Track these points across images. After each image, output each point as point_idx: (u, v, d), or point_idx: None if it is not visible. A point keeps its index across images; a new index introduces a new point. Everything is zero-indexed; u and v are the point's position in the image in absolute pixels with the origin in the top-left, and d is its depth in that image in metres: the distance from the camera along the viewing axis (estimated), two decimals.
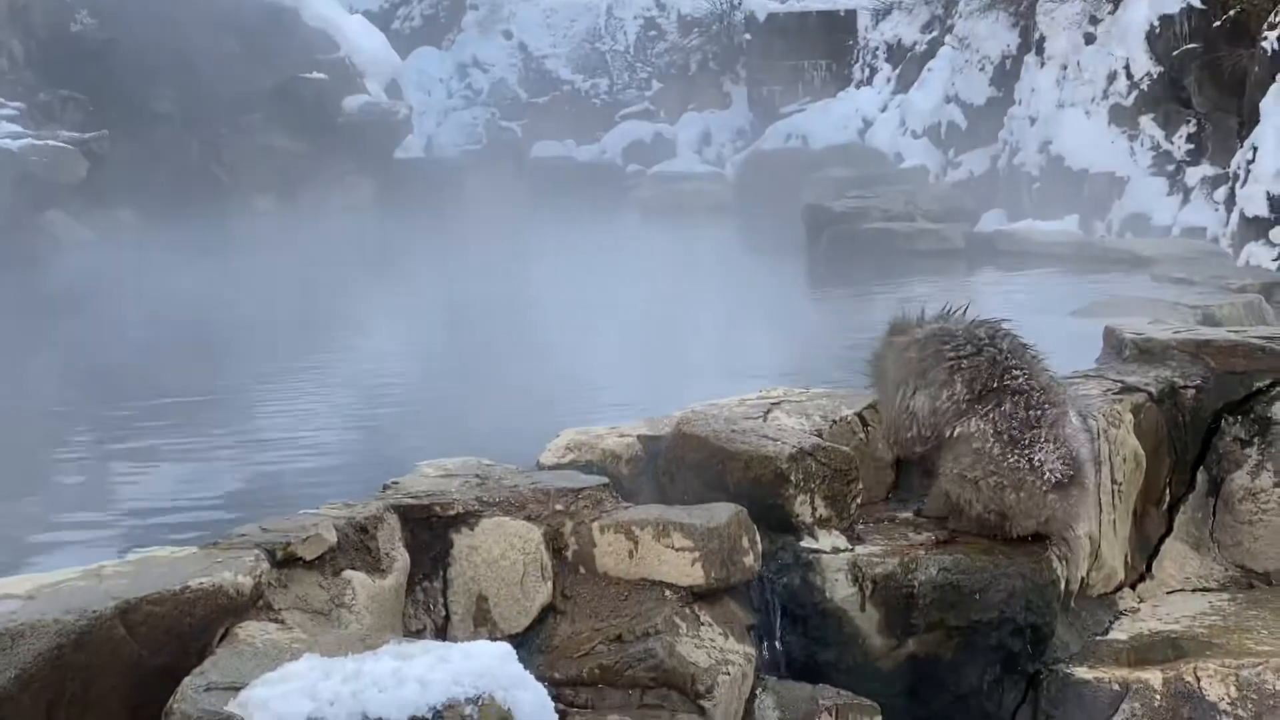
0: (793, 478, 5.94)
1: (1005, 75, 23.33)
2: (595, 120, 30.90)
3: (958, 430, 6.09)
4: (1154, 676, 6.00)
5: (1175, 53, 19.33)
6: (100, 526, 6.88)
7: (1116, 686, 5.99)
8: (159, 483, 7.69)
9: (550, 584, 5.49)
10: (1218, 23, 18.84)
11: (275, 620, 4.69)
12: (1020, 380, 6.10)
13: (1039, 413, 6.05)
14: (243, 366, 10.75)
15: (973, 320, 6.34)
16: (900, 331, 6.45)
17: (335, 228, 19.96)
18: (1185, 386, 7.41)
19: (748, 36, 30.48)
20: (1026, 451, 6.02)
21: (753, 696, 5.47)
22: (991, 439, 6.04)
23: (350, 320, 13.74)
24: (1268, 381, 7.49)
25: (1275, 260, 15.12)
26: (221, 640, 4.52)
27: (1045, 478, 6.02)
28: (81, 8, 22.44)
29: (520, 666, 4.16)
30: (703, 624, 5.43)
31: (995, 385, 6.09)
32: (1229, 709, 5.91)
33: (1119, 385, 7.22)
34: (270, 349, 11.50)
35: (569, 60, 32.32)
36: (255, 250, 17.80)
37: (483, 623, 5.38)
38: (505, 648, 4.19)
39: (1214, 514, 7.45)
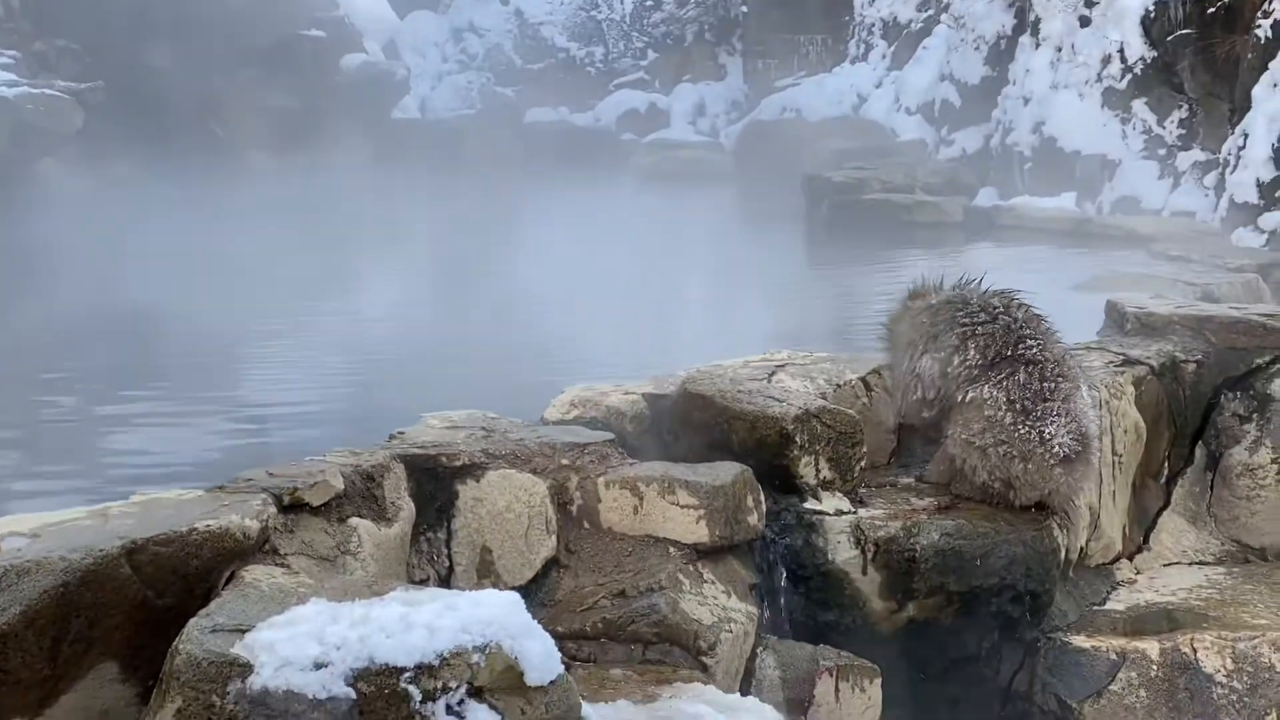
0: (798, 439, 5.94)
1: (1000, 55, 23.32)
2: (590, 88, 30.80)
3: (969, 395, 6.10)
4: (1151, 647, 6.03)
5: (1169, 38, 19.34)
6: (92, 475, 6.84)
7: (1114, 655, 6.01)
8: (158, 436, 7.65)
9: (554, 538, 5.48)
10: (1212, 9, 18.86)
11: (281, 565, 4.66)
12: (1035, 351, 6.11)
13: (1053, 385, 6.06)
14: (241, 323, 10.70)
15: (988, 289, 6.36)
16: (918, 296, 6.50)
17: (332, 185, 19.87)
18: (1186, 361, 7.43)
19: (744, 9, 30.41)
20: (1038, 423, 6.03)
21: (754, 655, 5.47)
22: (1004, 407, 6.04)
23: (349, 278, 13.69)
24: (1268, 358, 7.52)
25: (1264, 246, 15.18)
26: (227, 583, 4.49)
27: (1055, 451, 6.03)
28: None
29: (528, 616, 4.14)
30: (706, 581, 5.42)
31: (1009, 354, 6.10)
32: (1224, 680, 5.94)
33: (1121, 358, 7.23)
34: (267, 306, 11.45)
35: (565, 28, 32.20)
36: (252, 206, 17.72)
37: (486, 574, 5.36)
38: (514, 597, 4.16)
39: (1211, 488, 7.48)
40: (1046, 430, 6.04)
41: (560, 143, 24.37)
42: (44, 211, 17.12)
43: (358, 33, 24.52)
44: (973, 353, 6.13)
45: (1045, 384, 6.06)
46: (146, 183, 17.92)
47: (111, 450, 7.46)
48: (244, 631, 4.03)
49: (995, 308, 6.23)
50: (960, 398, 6.14)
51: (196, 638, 4.01)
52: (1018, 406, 6.04)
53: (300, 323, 10.90)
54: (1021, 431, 6.04)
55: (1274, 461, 7.33)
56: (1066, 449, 6.05)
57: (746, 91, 29.59)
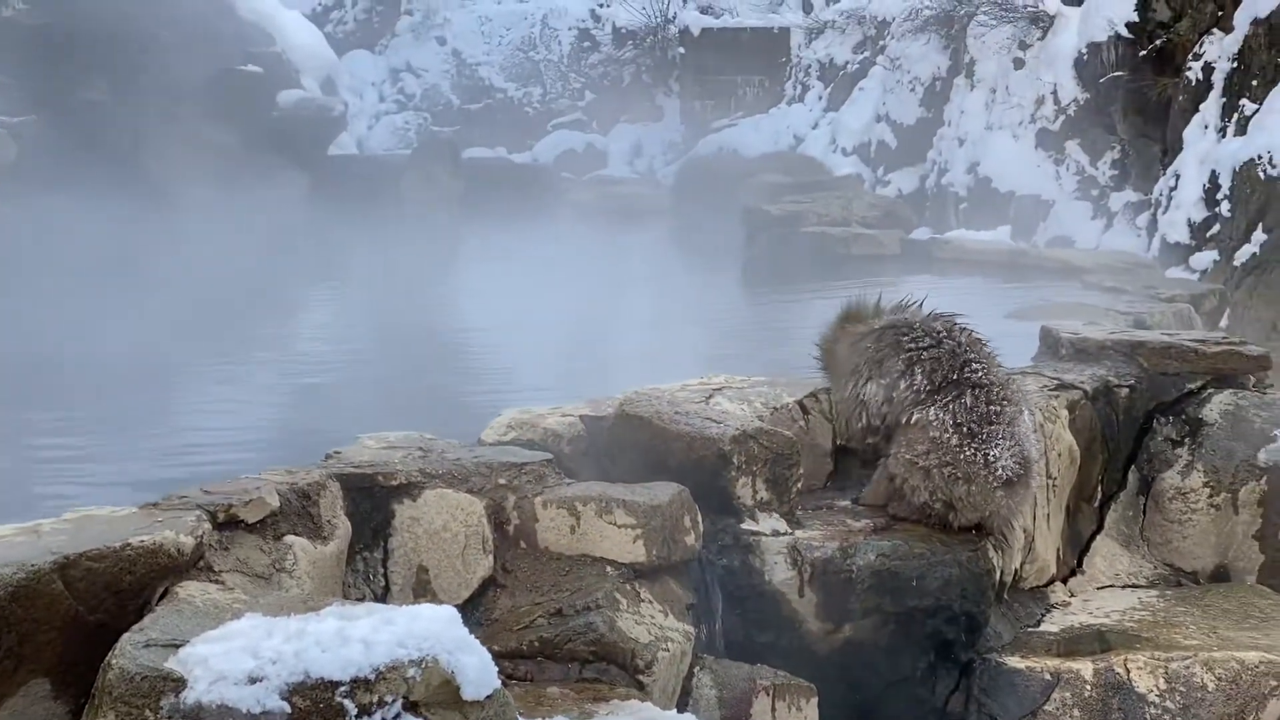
0: (735, 460, 5.96)
1: (935, 96, 23.54)
2: (528, 128, 30.80)
3: (915, 417, 6.14)
4: (1085, 667, 6.08)
5: (1102, 80, 19.61)
6: (18, 496, 6.74)
7: (1048, 676, 6.06)
8: (89, 456, 7.57)
9: (491, 557, 5.47)
10: (1144, 51, 19.14)
11: (216, 582, 4.63)
12: (980, 374, 6.17)
13: (998, 408, 6.12)
14: (173, 352, 10.61)
15: (930, 313, 6.40)
16: (854, 320, 6.50)
17: (269, 220, 19.82)
18: (1119, 386, 7.51)
19: (681, 50, 30.57)
20: (983, 446, 6.08)
21: (691, 674, 5.48)
22: (951, 430, 6.08)
23: (284, 310, 13.62)
24: (1199, 383, 7.62)
25: (1197, 278, 15.38)
26: (161, 599, 4.45)
27: (998, 474, 6.09)
28: None
29: (465, 630, 4.13)
30: (643, 601, 5.43)
31: (955, 377, 6.15)
32: (1157, 700, 5.99)
33: (1055, 382, 7.31)
34: (201, 336, 11.35)
35: (503, 68, 32.21)
36: (188, 239, 17.64)
37: (423, 594, 5.35)
38: (450, 611, 4.15)
39: (1144, 513, 7.55)
40: (991, 453, 6.09)
41: (499, 179, 24.38)
42: None
43: (295, 69, 24.47)
44: (920, 377, 6.17)
45: (991, 407, 6.12)
46: (81, 216, 17.80)
47: (40, 478, 7.38)
48: (178, 646, 4.00)
49: (938, 331, 6.28)
50: (905, 419, 6.17)
51: (130, 652, 3.98)
52: (964, 429, 6.08)
53: (234, 352, 10.83)
54: (967, 454, 6.08)
55: (1206, 486, 7.42)
56: (1010, 472, 6.11)
57: (684, 132, 29.72)
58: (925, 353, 6.20)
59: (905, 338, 6.26)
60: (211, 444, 7.69)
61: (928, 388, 6.15)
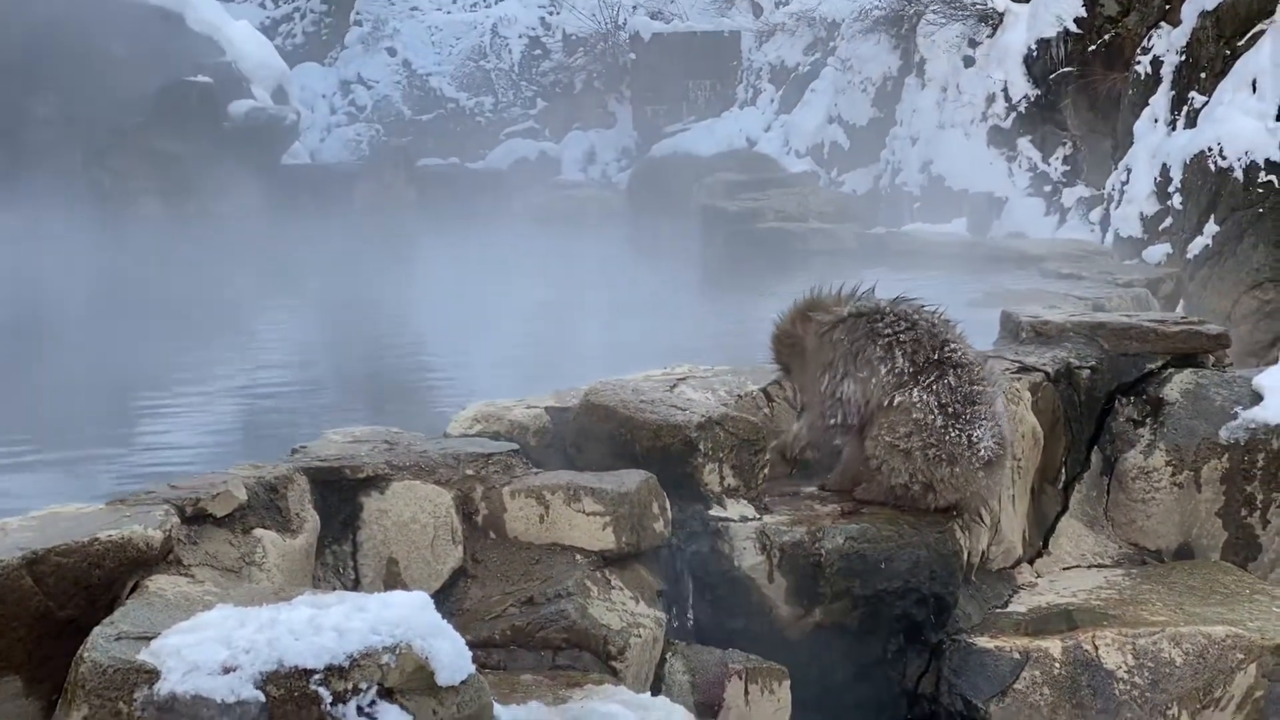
0: (701, 446, 5.97)
1: (887, 96, 23.65)
2: (480, 138, 30.79)
3: (896, 400, 6.12)
4: (1053, 645, 6.11)
5: (1051, 76, 19.71)
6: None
7: (1017, 655, 6.08)
8: (56, 462, 7.54)
9: (460, 548, 5.46)
10: (1093, 47, 19.25)
11: (185, 575, 4.61)
12: (959, 354, 6.18)
13: (980, 388, 6.14)
14: (131, 363, 10.56)
15: (895, 298, 6.39)
16: (817, 309, 6.43)
17: (223, 230, 19.79)
18: (1080, 367, 7.55)
19: (632, 56, 30.60)
20: (967, 427, 6.10)
21: (663, 660, 5.48)
22: (936, 411, 6.09)
23: (244, 316, 13.58)
24: (1160, 363, 7.67)
25: (1156, 263, 15.44)
26: (131, 594, 4.43)
27: (980, 455, 6.11)
28: None
29: (438, 616, 4.13)
30: (614, 588, 5.43)
31: (936, 357, 6.15)
32: (1126, 676, 6.02)
33: (1017, 365, 7.34)
34: (159, 345, 11.30)
35: (453, 78, 32.17)
36: (142, 252, 17.59)
37: (393, 586, 5.32)
38: (423, 597, 4.15)
39: (1108, 493, 7.59)
40: (974, 434, 6.10)
41: (453, 186, 24.38)
42: None
43: (246, 79, 24.46)
44: (901, 360, 6.15)
45: (974, 387, 6.13)
46: (32, 233, 17.73)
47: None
48: (150, 638, 3.98)
49: (909, 314, 6.27)
50: (886, 403, 6.15)
51: (102, 645, 3.96)
52: (949, 410, 6.09)
53: (194, 358, 10.79)
54: (951, 435, 6.09)
55: (1168, 464, 7.46)
56: (990, 452, 6.14)
57: (636, 138, 29.77)
58: (903, 335, 6.18)
59: (880, 323, 6.23)
60: (173, 446, 7.68)
61: (910, 369, 6.13)
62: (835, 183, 23.79)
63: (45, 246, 17.25)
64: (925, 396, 6.10)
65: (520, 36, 32.49)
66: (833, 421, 6.32)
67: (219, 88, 23.66)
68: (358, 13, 33.33)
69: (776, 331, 6.55)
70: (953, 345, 6.19)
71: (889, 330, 6.21)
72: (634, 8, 31.22)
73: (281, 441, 5.73)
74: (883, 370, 6.15)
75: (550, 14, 32.58)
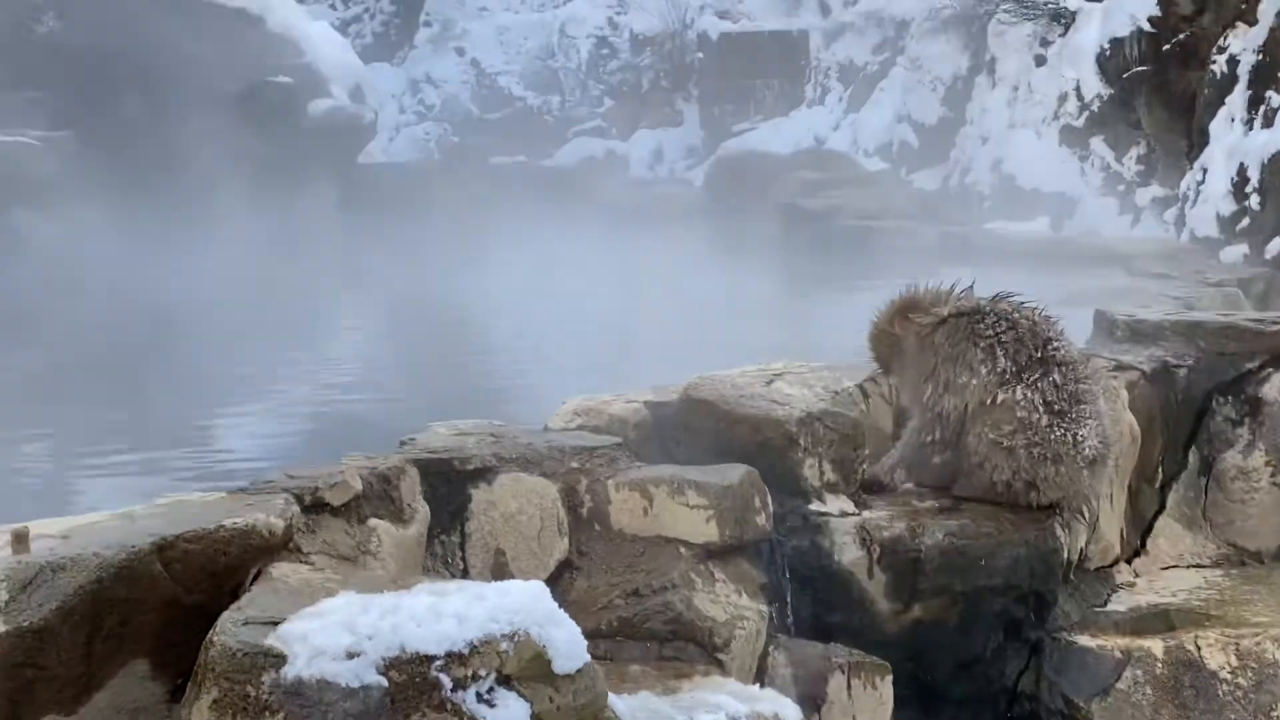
0: (801, 441, 5.99)
1: (956, 95, 23.57)
2: (548, 137, 30.88)
3: (1000, 398, 6.09)
4: (1155, 645, 6.09)
5: (1125, 75, 19.57)
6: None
7: (1119, 654, 6.06)
8: (177, 446, 7.64)
9: (566, 540, 5.50)
10: (1167, 46, 19.09)
11: (305, 563, 4.68)
12: (1063, 352, 6.16)
13: (1085, 387, 6.12)
14: (224, 366, 10.68)
15: (993, 296, 6.36)
16: (915, 309, 6.38)
17: (307, 228, 19.98)
18: (1177, 366, 7.51)
19: (700, 55, 30.63)
20: (1072, 426, 6.08)
21: (766, 654, 5.50)
22: (1041, 409, 6.06)
23: (331, 314, 13.70)
24: (1258, 363, 7.61)
25: (1243, 262, 15.30)
26: (255, 580, 4.50)
27: (1085, 454, 6.10)
28: (49, 9, 22.51)
29: (554, 604, 4.16)
30: (717, 580, 5.46)
31: (1039, 355, 6.13)
32: (1229, 677, 6.00)
33: (1113, 363, 7.31)
34: (252, 346, 11.41)
35: (522, 77, 32.33)
36: (229, 250, 17.76)
37: (500, 577, 5.35)
38: (539, 585, 4.19)
39: (1206, 493, 7.55)
40: (1080, 433, 6.08)
41: (527, 183, 24.49)
42: (14, 258, 17.13)
43: (324, 79, 24.68)
44: (1003, 360, 6.11)
45: (1079, 385, 6.11)
46: (118, 229, 17.95)
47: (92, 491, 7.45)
48: (276, 624, 4.04)
49: (1010, 313, 6.24)
50: (988, 400, 6.13)
51: (230, 630, 4.02)
52: (1055, 408, 6.06)
53: (290, 358, 10.89)
54: (1056, 434, 6.07)
55: (1268, 464, 7.42)
56: (1094, 451, 6.13)
57: (704, 137, 29.79)
58: (1004, 335, 6.14)
59: (980, 324, 6.18)
60: (280, 435, 7.76)
61: (1013, 368, 6.10)
62: (905, 182, 23.73)
63: (129, 242, 17.44)
64: (1030, 394, 6.07)
65: (588, 36, 32.60)
66: (929, 439, 6.31)
67: (298, 87, 23.94)
68: (427, 13, 33.52)
69: (875, 330, 6.51)
70: (1056, 343, 6.17)
71: (990, 332, 6.17)
72: (701, 8, 31.24)
73: (386, 435, 5.78)
74: (984, 371, 6.12)
75: (618, 14, 32.64)
